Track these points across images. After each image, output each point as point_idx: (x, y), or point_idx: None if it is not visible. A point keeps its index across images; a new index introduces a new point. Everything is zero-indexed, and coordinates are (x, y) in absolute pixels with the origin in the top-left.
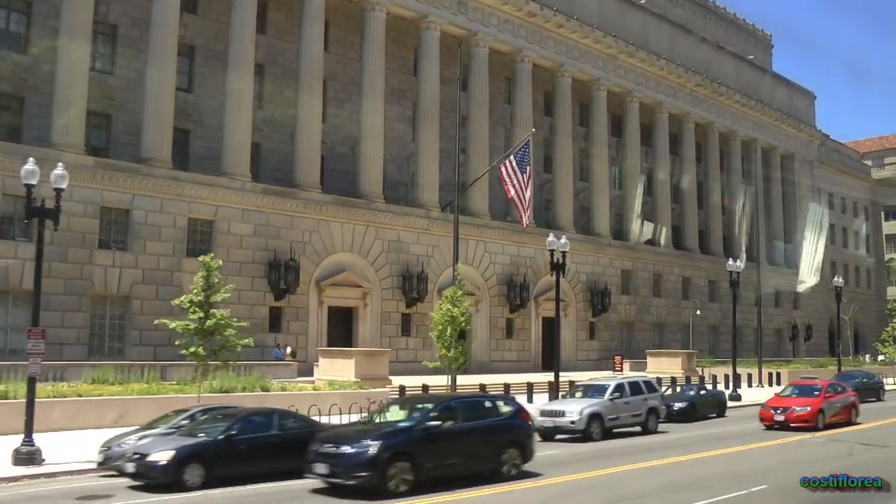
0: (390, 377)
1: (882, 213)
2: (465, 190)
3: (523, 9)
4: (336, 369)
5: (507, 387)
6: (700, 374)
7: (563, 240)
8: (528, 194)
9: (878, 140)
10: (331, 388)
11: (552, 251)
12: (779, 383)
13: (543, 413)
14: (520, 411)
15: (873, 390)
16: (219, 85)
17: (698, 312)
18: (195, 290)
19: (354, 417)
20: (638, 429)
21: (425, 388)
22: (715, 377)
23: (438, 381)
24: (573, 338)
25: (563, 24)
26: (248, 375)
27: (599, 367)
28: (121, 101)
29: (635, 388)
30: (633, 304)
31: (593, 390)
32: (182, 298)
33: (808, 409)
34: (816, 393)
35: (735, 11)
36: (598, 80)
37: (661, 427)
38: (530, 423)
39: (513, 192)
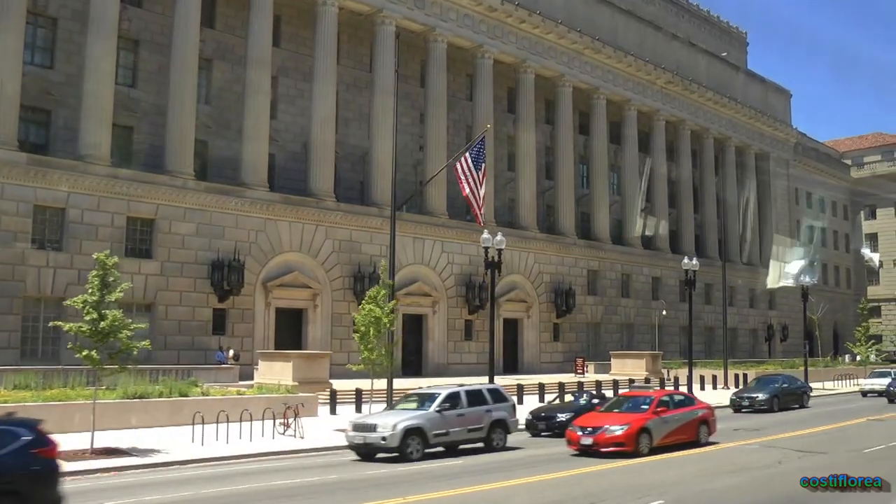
0: (333, 381)
1: (861, 212)
2: (422, 188)
3: (483, 3)
4: (275, 373)
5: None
6: (663, 375)
7: (498, 237)
8: (482, 191)
9: (857, 139)
10: (256, 393)
11: (486, 249)
12: (745, 383)
13: (356, 427)
14: (35, 443)
15: (795, 396)
16: (165, 80)
17: (664, 313)
18: (90, 290)
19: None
20: (481, 445)
21: (358, 392)
22: (677, 379)
23: (400, 385)
24: (536, 339)
25: (525, 18)
26: (185, 380)
27: (564, 370)
28: (60, 96)
29: (475, 397)
30: (600, 304)
31: (428, 399)
32: (76, 298)
33: (625, 428)
34: (645, 407)
35: (709, 9)
36: (563, 76)
37: (521, 442)
38: (53, 460)
39: (467, 189)
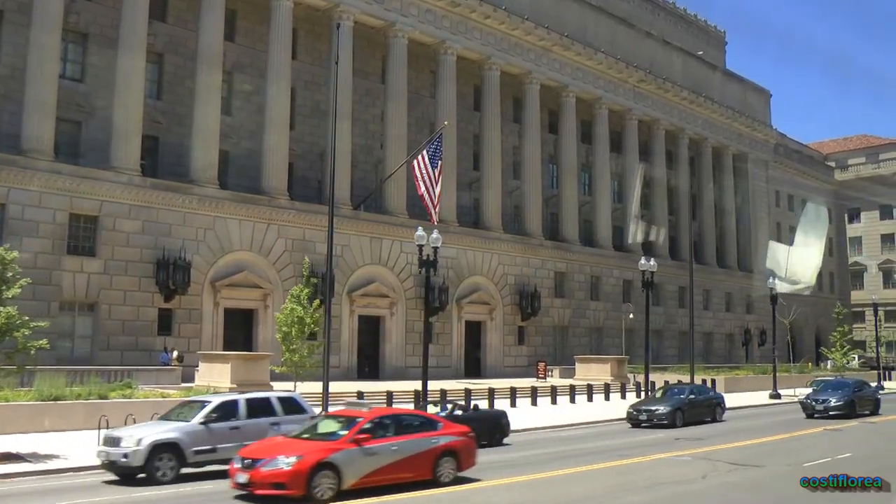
0: (281, 383)
1: (846, 215)
2: (380, 186)
3: None
4: (214, 374)
5: (360, 394)
6: (628, 380)
7: (434, 234)
8: (438, 190)
9: (841, 141)
10: (183, 395)
11: (421, 247)
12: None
13: (105, 441)
14: None
15: (707, 408)
16: (113, 74)
17: (631, 316)
18: None
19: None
20: None
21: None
22: (638, 385)
23: (338, 388)
24: (499, 343)
25: (490, 14)
26: (120, 382)
27: (529, 374)
28: (5, 90)
29: (259, 407)
30: (567, 307)
31: (198, 408)
32: None
33: (293, 462)
34: (343, 433)
35: (685, 7)
36: (530, 73)
37: None
38: None
39: (423, 187)
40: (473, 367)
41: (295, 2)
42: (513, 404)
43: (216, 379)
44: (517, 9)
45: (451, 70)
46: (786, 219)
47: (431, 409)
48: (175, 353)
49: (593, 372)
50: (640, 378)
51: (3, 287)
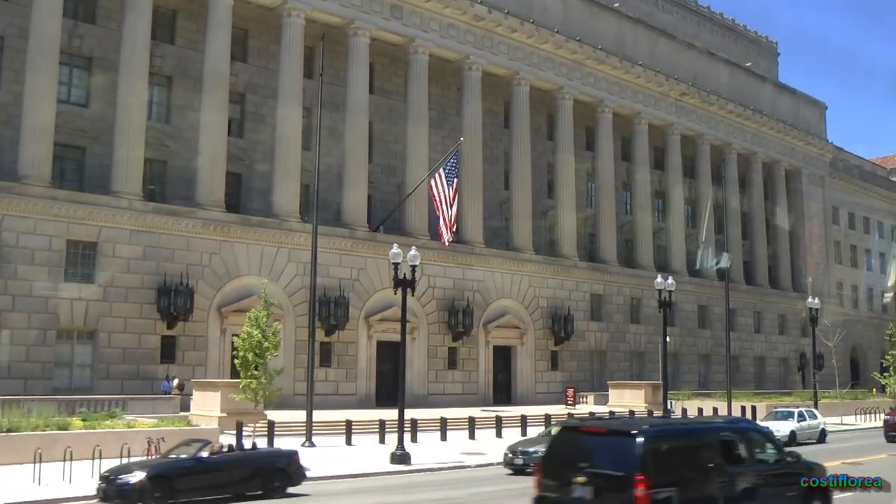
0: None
1: None
2: (397, 207)
3: (468, 12)
4: (207, 403)
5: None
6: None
7: (412, 251)
8: (453, 210)
9: None
10: (152, 426)
11: (396, 265)
12: (754, 418)
13: None
14: None
15: None
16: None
17: (668, 339)
18: None
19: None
20: None
21: (271, 425)
22: (670, 411)
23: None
24: (531, 369)
25: (517, 28)
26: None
27: (562, 401)
28: (6, 117)
29: None
30: (605, 330)
31: None
32: None
33: None
34: None
35: (734, 18)
36: (562, 88)
37: None
38: None
39: (439, 208)
40: (503, 394)
41: (309, 20)
42: (443, 437)
43: (208, 408)
44: (547, 22)
45: (475, 86)
46: (846, 238)
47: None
48: (175, 382)
49: (626, 398)
50: (679, 405)
51: None
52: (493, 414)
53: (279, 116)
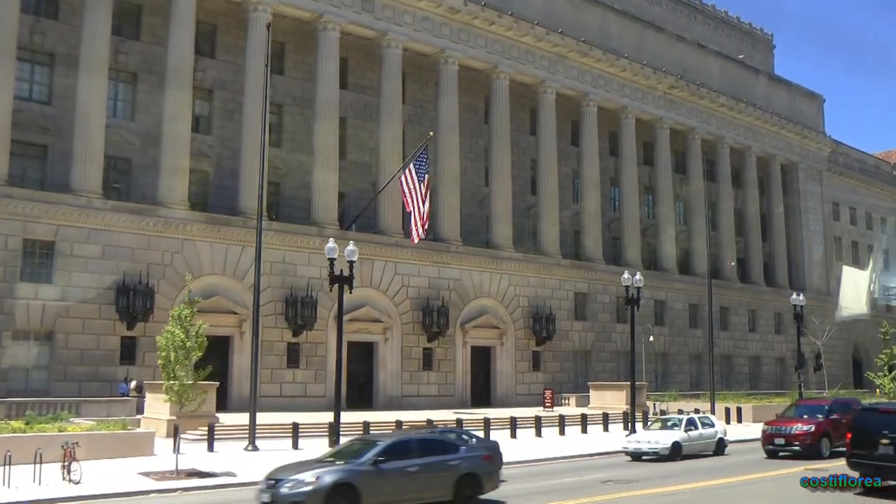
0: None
1: None
2: (370, 205)
3: (443, 4)
4: (159, 406)
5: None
6: (646, 408)
7: (349, 246)
8: (425, 206)
9: None
10: (84, 430)
11: (332, 260)
12: (739, 421)
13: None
14: None
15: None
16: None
17: (651, 339)
18: None
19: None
20: None
21: (211, 428)
22: (645, 414)
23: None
24: (511, 370)
25: (494, 20)
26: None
27: (544, 403)
28: None
29: None
30: (590, 330)
31: None
32: None
33: None
34: None
35: (727, 10)
36: (544, 81)
37: None
38: None
39: (411, 204)
40: (483, 396)
41: (277, 14)
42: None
43: (159, 411)
44: (528, 15)
45: (452, 80)
46: (847, 233)
47: None
48: (133, 384)
49: (608, 399)
50: (662, 406)
51: None
52: (456, 416)
53: (245, 113)
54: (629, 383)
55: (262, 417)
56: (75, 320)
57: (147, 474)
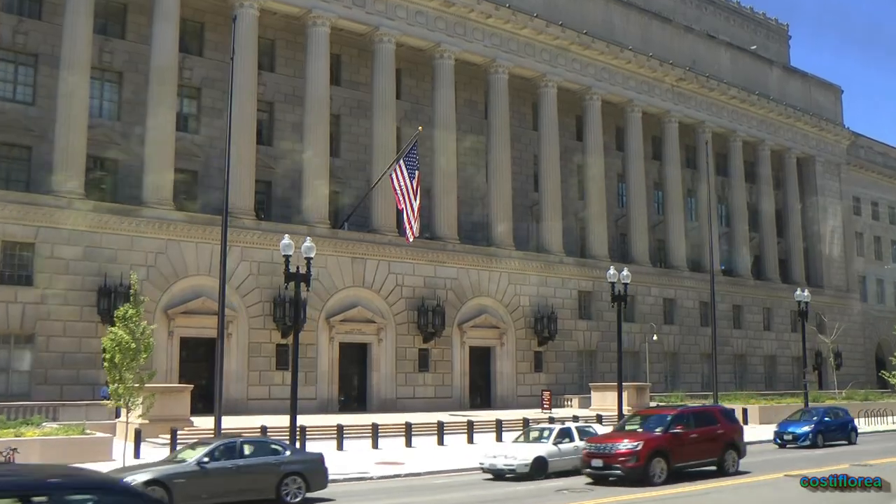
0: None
1: None
2: (360, 202)
3: None
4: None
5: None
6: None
7: (306, 242)
8: (416, 203)
9: None
10: (33, 435)
11: (287, 258)
12: (745, 423)
13: None
14: None
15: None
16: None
17: (655, 338)
18: None
19: None
20: None
21: (174, 433)
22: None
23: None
24: (512, 370)
25: (491, 13)
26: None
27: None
28: None
29: None
30: (595, 330)
31: None
32: None
33: None
34: None
35: (738, 1)
36: (545, 75)
37: None
38: None
39: (402, 202)
40: (482, 398)
41: (265, 10)
42: (374, 445)
43: (131, 415)
44: (528, 7)
45: (448, 75)
46: (869, 228)
47: None
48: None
49: (609, 401)
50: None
51: None
52: (436, 420)
53: (233, 109)
54: (632, 384)
55: (241, 421)
56: (56, 323)
57: None
